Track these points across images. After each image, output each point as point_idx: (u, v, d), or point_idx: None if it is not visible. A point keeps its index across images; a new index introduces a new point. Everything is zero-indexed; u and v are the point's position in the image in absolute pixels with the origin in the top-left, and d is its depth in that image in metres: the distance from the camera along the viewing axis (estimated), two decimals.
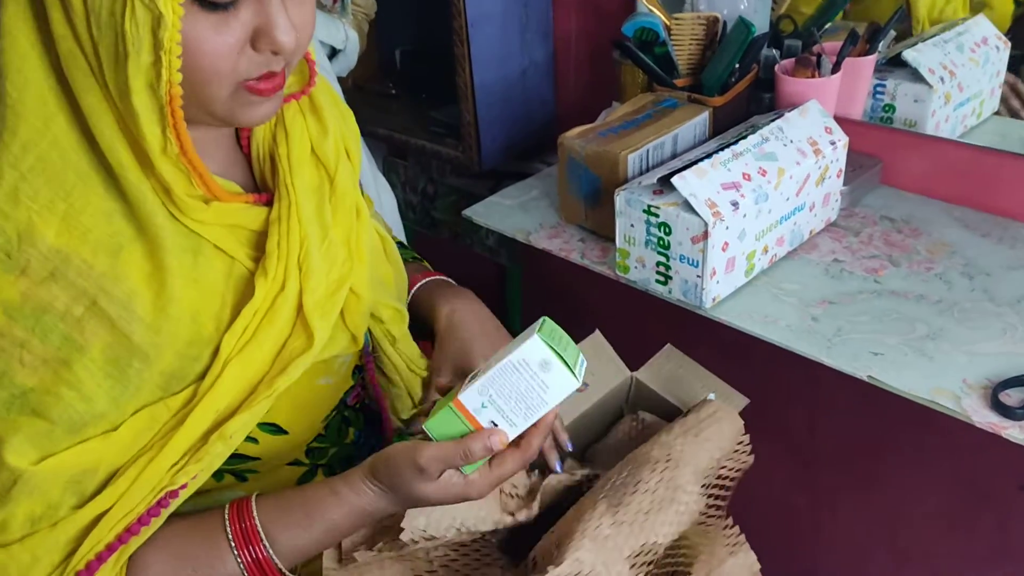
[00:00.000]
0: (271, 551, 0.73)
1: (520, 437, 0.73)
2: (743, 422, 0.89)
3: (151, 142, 0.65)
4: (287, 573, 0.75)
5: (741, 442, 0.89)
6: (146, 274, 0.68)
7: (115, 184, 0.66)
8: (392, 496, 0.74)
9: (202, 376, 0.72)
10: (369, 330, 0.90)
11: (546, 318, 0.72)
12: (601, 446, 0.99)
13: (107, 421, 0.69)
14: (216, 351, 0.72)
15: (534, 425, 0.72)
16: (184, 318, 0.70)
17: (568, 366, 0.69)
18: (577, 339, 0.96)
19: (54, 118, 0.65)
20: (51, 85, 0.65)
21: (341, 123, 0.85)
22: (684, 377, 0.99)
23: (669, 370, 1.00)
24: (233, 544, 0.73)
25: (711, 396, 0.92)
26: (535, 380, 0.69)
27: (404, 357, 0.92)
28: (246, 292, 0.75)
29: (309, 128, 0.81)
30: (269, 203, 0.78)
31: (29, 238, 0.64)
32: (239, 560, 0.73)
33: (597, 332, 0.99)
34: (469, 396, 0.70)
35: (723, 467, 0.87)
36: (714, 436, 0.85)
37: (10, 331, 0.65)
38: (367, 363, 0.91)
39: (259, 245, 0.76)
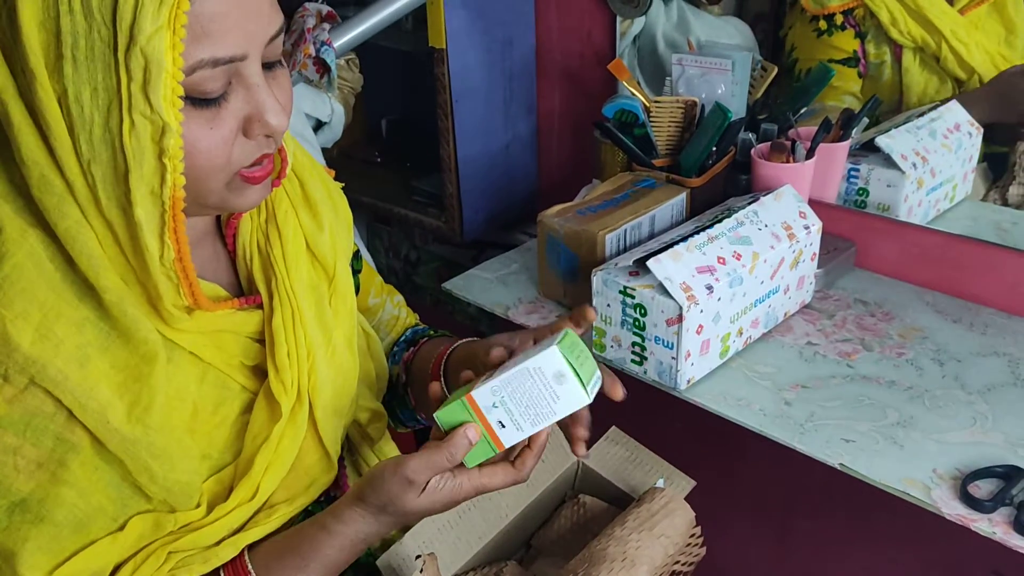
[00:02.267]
0: None
1: (516, 454, 0.74)
2: (694, 514, 0.89)
3: (152, 251, 0.64)
4: None
5: (693, 535, 0.89)
6: (117, 384, 0.66)
7: (89, 295, 0.65)
8: (383, 517, 0.72)
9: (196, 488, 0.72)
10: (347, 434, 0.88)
11: (568, 330, 0.73)
12: (545, 532, 0.98)
13: (109, 517, 0.68)
14: (199, 462, 0.72)
15: (528, 447, 0.73)
16: (164, 428, 0.69)
17: (581, 381, 0.69)
18: None
19: (28, 232, 0.64)
20: (19, 207, 0.64)
21: (334, 215, 0.84)
22: (630, 460, 0.99)
23: (616, 453, 1.00)
24: None
25: (660, 482, 0.92)
26: (548, 390, 0.70)
27: (383, 457, 0.90)
28: (223, 399, 0.74)
29: (303, 224, 0.80)
30: (258, 305, 0.77)
31: (5, 347, 0.63)
32: None
33: None
34: (482, 394, 0.71)
35: (676, 562, 0.87)
36: (668, 530, 0.85)
37: (1, 439, 0.63)
38: (340, 467, 0.88)
39: (249, 351, 0.75)
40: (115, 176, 0.61)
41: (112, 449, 0.66)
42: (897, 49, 1.37)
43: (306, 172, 0.82)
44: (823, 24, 1.41)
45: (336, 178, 1.57)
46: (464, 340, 0.94)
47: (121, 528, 0.69)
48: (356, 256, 0.95)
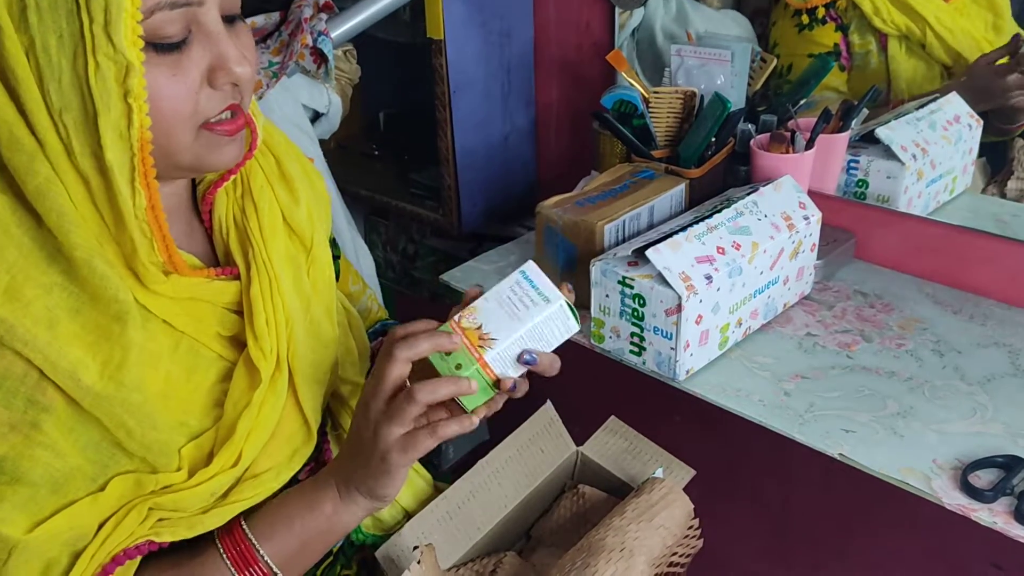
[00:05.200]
0: (274, 566, 0.74)
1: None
2: (693, 505, 0.89)
3: (125, 197, 0.64)
4: None
5: (691, 526, 0.88)
6: (89, 344, 0.67)
7: (58, 258, 0.66)
8: (353, 452, 0.75)
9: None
10: (328, 406, 0.88)
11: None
12: (544, 522, 0.98)
13: (88, 478, 0.69)
14: (173, 428, 0.72)
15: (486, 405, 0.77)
16: (138, 387, 0.69)
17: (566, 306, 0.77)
18: (532, 409, 0.96)
19: None
20: None
21: (311, 192, 0.85)
22: (629, 450, 0.99)
23: (614, 444, 0.99)
24: (232, 568, 0.73)
25: (659, 472, 0.92)
26: (558, 325, 0.77)
27: None
28: (196, 366, 0.74)
29: (279, 197, 0.81)
30: (235, 277, 0.77)
31: None
32: None
33: (548, 404, 0.98)
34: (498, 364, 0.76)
35: (675, 553, 0.87)
36: (667, 521, 0.85)
37: None
38: (323, 439, 0.89)
39: (225, 321, 0.76)
40: (85, 122, 0.62)
41: (87, 407, 0.67)
42: (882, 38, 1.36)
43: (281, 149, 0.83)
44: (805, 18, 1.41)
45: (333, 170, 1.57)
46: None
47: (102, 489, 0.69)
48: (333, 243, 0.96)
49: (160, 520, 0.72)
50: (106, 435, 0.69)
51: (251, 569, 0.73)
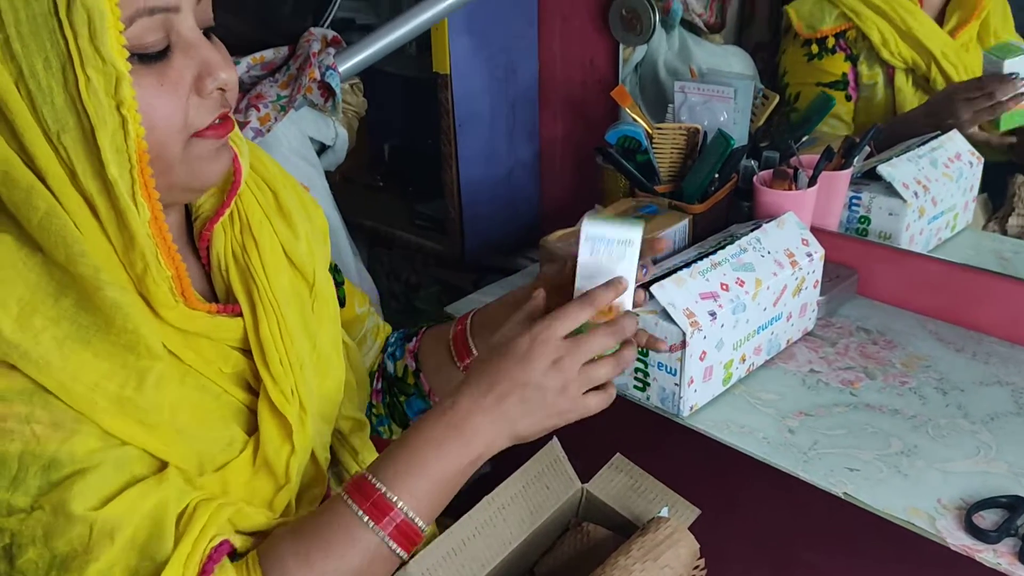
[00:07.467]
0: (408, 512, 0.72)
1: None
2: (699, 545, 0.88)
3: (133, 213, 0.64)
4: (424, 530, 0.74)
5: (697, 566, 0.88)
6: (105, 371, 0.65)
7: (66, 293, 0.65)
8: (493, 365, 0.74)
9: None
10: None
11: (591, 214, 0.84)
12: (548, 559, 0.97)
13: (144, 461, 0.67)
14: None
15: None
16: (158, 408, 0.68)
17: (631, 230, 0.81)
18: (538, 445, 0.96)
19: (1, 236, 0.64)
20: None
21: (308, 225, 0.84)
22: (634, 488, 0.98)
23: (620, 481, 0.99)
24: (369, 521, 0.70)
25: (664, 511, 0.92)
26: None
27: (364, 466, 0.86)
28: (201, 400, 0.73)
29: (278, 232, 0.80)
30: (236, 315, 0.76)
31: None
32: (381, 533, 0.70)
33: (555, 441, 0.98)
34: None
35: None
36: (672, 561, 0.84)
37: (11, 411, 0.63)
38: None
39: (229, 358, 0.75)
40: (84, 139, 0.62)
41: (106, 427, 0.65)
42: (890, 70, 1.38)
43: (278, 182, 0.83)
44: (815, 48, 1.43)
45: (338, 201, 1.57)
46: (473, 311, 0.97)
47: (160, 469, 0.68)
48: (336, 270, 0.95)
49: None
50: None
51: (390, 516, 0.71)
